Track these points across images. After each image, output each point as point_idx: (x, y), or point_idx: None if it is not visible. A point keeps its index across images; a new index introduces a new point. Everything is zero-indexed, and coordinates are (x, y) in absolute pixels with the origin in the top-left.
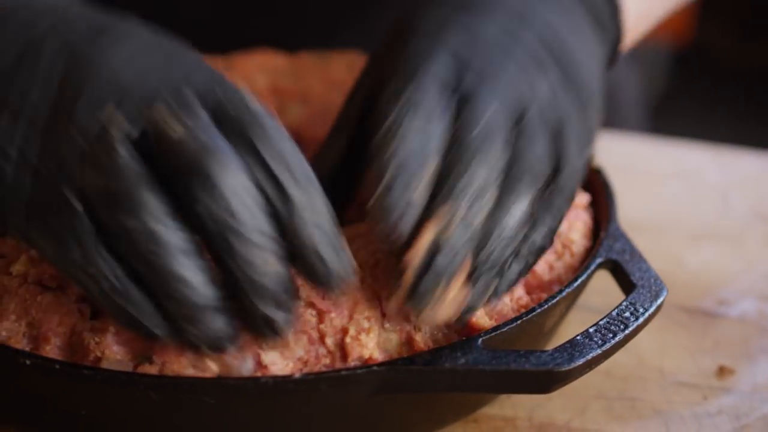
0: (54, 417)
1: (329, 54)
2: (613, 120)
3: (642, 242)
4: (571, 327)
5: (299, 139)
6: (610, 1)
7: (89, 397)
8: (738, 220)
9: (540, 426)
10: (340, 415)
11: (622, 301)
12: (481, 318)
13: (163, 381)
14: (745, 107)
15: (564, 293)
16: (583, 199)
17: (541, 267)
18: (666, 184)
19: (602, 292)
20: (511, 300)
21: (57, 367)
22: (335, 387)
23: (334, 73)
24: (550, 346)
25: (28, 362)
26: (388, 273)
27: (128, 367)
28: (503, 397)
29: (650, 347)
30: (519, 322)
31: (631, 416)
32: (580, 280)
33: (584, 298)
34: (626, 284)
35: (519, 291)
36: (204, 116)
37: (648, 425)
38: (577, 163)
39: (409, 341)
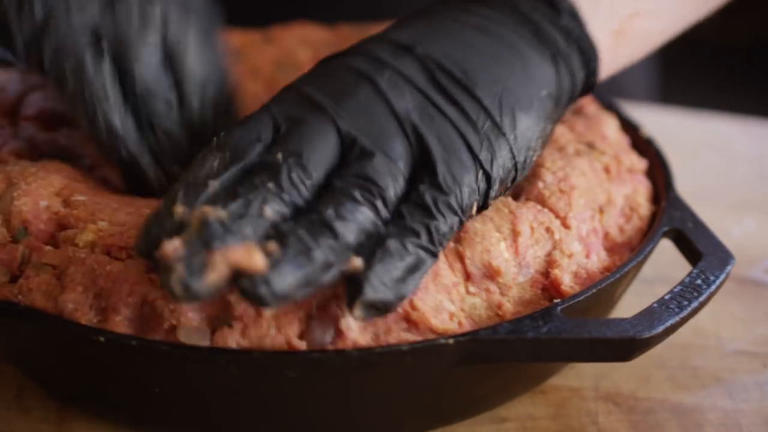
0: (123, 395)
1: (369, 27)
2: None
3: None
4: (625, 297)
5: None
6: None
7: (165, 374)
8: None
9: (606, 396)
10: (418, 386)
11: (692, 269)
12: (565, 282)
13: (246, 356)
14: (729, 81)
15: (635, 261)
16: (641, 164)
17: (614, 230)
18: (698, 156)
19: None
20: (598, 260)
21: (133, 343)
22: (419, 358)
23: None
24: (614, 314)
25: (102, 339)
26: (469, 235)
27: (206, 333)
28: (568, 367)
29: (705, 317)
30: (595, 290)
31: (695, 385)
32: (648, 249)
33: None
34: (692, 253)
35: (601, 252)
36: None
37: (712, 393)
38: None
39: (494, 304)
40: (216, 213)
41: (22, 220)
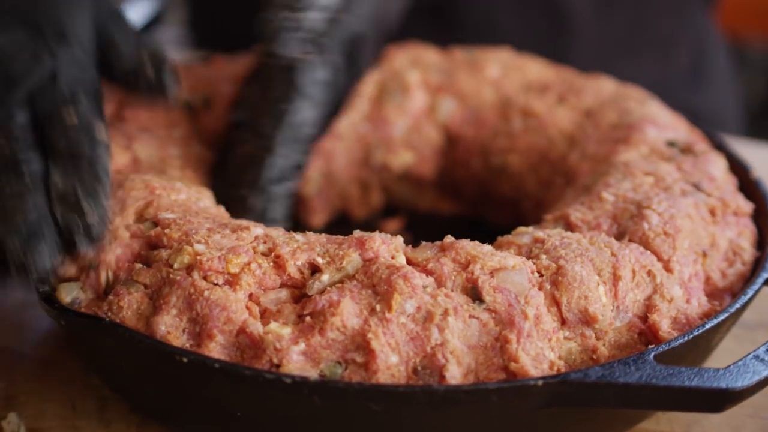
0: (205, 417)
1: (481, 51)
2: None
3: None
4: (723, 342)
5: (450, 136)
6: None
7: (248, 399)
8: None
9: None
10: (504, 426)
11: None
12: (663, 327)
13: (329, 386)
14: None
15: (733, 309)
16: (747, 207)
17: (716, 274)
18: None
19: (753, 307)
20: (698, 305)
21: (216, 366)
22: (506, 398)
23: (485, 71)
24: (711, 361)
25: (185, 360)
26: (567, 279)
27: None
28: (660, 412)
29: None
30: (691, 337)
31: None
32: (748, 296)
33: None
34: None
35: (702, 297)
36: None
37: None
38: None
39: (589, 348)
40: None
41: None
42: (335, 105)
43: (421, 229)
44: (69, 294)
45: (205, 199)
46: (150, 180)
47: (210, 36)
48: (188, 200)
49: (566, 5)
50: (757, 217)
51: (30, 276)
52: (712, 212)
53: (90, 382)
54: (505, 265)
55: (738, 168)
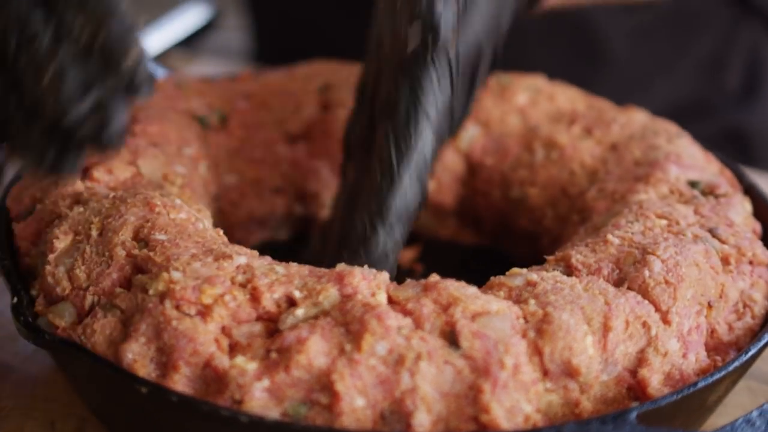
0: None
1: (510, 77)
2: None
3: None
4: (735, 396)
5: (471, 164)
6: None
7: None
8: None
9: None
10: None
11: None
12: (653, 384)
13: (286, 427)
14: None
15: (730, 368)
16: (765, 256)
17: (722, 327)
18: None
19: None
20: (696, 360)
21: (174, 399)
22: None
23: (514, 98)
24: (715, 417)
25: (144, 390)
26: (552, 328)
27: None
28: None
29: None
30: (680, 396)
31: None
32: (749, 354)
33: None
34: None
35: (701, 352)
36: None
37: None
38: None
39: (571, 402)
40: None
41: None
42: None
43: (437, 258)
44: (62, 317)
45: (204, 220)
46: (152, 198)
47: (269, 45)
48: (187, 220)
49: (599, 36)
50: None
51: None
52: (725, 260)
53: (72, 401)
54: (487, 310)
55: (766, 213)
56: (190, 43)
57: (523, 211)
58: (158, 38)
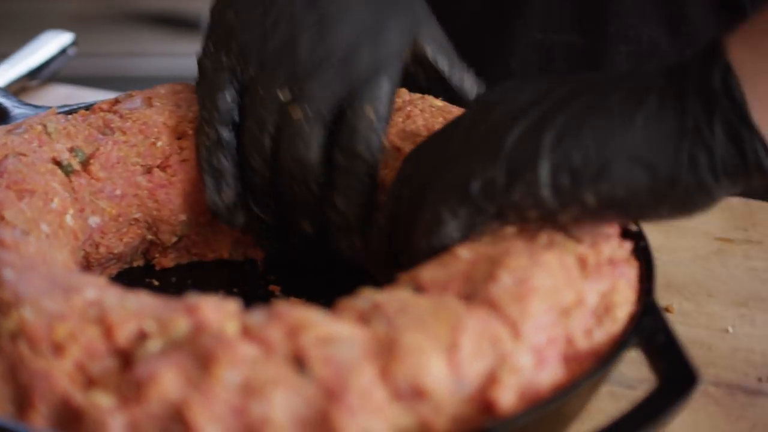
0: None
1: None
2: None
3: (685, 306)
4: (598, 401)
5: None
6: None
7: None
8: None
9: None
10: None
11: (653, 391)
12: (505, 401)
13: None
14: None
15: (585, 382)
16: (623, 252)
17: (579, 335)
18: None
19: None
20: (552, 373)
21: None
22: None
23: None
24: (578, 424)
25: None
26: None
27: None
28: None
29: (681, 428)
30: (531, 415)
31: None
32: (607, 366)
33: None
34: (658, 367)
35: (557, 364)
36: None
37: None
38: None
39: (424, 423)
40: None
41: None
42: None
43: (295, 280)
44: None
45: (56, 252)
46: (1, 234)
47: None
48: (36, 254)
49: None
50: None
51: None
52: (583, 262)
53: None
54: (334, 335)
55: None
56: (44, 70)
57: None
58: (12, 67)
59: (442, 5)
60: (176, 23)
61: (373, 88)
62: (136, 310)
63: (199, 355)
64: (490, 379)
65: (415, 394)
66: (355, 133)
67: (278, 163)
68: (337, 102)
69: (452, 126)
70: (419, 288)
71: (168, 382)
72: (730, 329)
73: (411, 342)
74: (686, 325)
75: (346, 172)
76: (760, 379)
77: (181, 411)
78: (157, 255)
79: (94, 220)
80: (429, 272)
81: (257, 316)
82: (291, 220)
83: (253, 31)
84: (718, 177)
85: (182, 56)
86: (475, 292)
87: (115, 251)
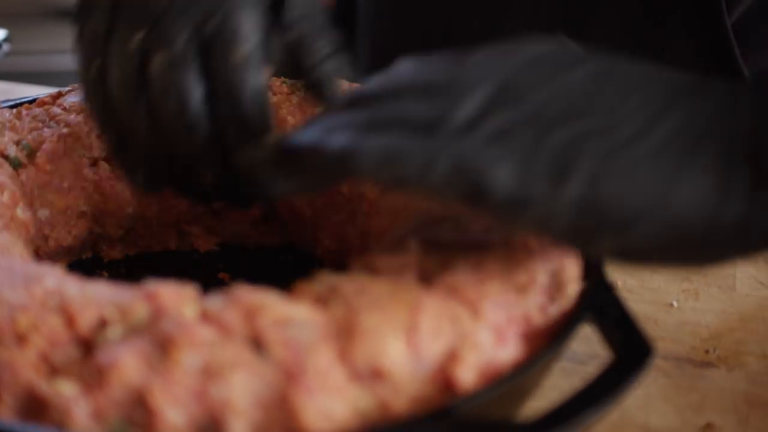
0: None
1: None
2: None
3: (629, 282)
4: (550, 378)
5: None
6: None
7: None
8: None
9: None
10: None
11: (609, 366)
12: (466, 379)
13: None
14: None
15: (547, 356)
16: None
17: (535, 312)
18: None
19: (583, 337)
20: (512, 350)
21: None
22: None
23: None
24: (537, 400)
25: None
26: (358, 331)
27: None
28: None
29: (634, 401)
30: (498, 390)
31: None
32: (564, 340)
33: None
34: (611, 342)
35: (517, 341)
36: None
37: None
38: None
39: (383, 403)
40: None
41: None
42: None
43: (245, 266)
44: None
45: (11, 247)
46: None
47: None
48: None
49: None
50: None
51: None
52: (527, 245)
53: None
54: (291, 317)
55: None
56: None
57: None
58: None
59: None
60: None
61: (232, 22)
62: (96, 298)
63: (159, 339)
64: (450, 358)
65: (374, 376)
66: (226, 84)
67: (157, 124)
68: (200, 36)
69: None
70: (374, 272)
71: (129, 367)
72: (675, 304)
73: (369, 323)
74: (632, 300)
75: (234, 130)
76: (707, 351)
77: (143, 396)
78: (104, 247)
79: (43, 213)
80: (384, 260)
81: (215, 300)
82: (191, 177)
83: None
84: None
85: None
86: (431, 277)
87: (65, 244)
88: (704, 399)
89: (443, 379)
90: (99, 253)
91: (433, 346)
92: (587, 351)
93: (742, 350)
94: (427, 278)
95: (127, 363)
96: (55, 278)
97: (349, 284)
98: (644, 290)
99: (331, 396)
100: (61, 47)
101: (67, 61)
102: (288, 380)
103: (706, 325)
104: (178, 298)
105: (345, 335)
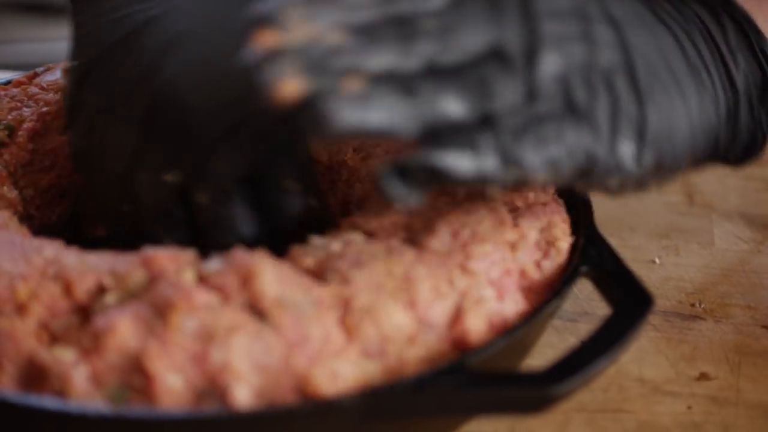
0: None
1: None
2: None
3: (610, 241)
4: (544, 336)
5: None
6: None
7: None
8: (706, 219)
9: None
10: None
11: (610, 316)
12: (475, 332)
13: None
14: None
15: (546, 309)
16: (547, 195)
17: (530, 266)
18: None
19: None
20: (514, 303)
21: None
22: (306, 419)
23: None
24: (531, 357)
25: None
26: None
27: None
28: None
29: (627, 356)
30: (506, 341)
31: (615, 429)
32: (562, 293)
33: None
34: (610, 295)
35: (517, 294)
36: None
37: None
38: None
39: (392, 366)
40: None
41: None
42: None
43: None
44: None
45: (8, 221)
46: None
47: None
48: None
49: None
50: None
51: None
52: (513, 206)
53: None
54: (290, 282)
55: None
56: None
57: None
58: None
59: None
60: (42, 9)
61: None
62: (94, 266)
63: (157, 304)
64: (457, 315)
65: (380, 340)
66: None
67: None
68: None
69: None
70: (367, 234)
71: (125, 331)
72: (657, 260)
73: (370, 301)
74: None
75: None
76: (693, 305)
77: (140, 360)
78: (86, 226)
79: (27, 193)
80: (372, 221)
81: (214, 264)
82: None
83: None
84: None
85: (53, 41)
86: (417, 237)
87: (49, 222)
88: (695, 350)
89: (454, 338)
90: (80, 231)
91: (437, 310)
92: (576, 309)
93: (728, 302)
94: (414, 239)
95: (124, 327)
96: (53, 249)
97: (346, 250)
98: (625, 248)
99: (337, 359)
100: (28, 36)
101: (5, 51)
102: (292, 345)
103: (689, 280)
104: (175, 263)
105: (344, 303)
